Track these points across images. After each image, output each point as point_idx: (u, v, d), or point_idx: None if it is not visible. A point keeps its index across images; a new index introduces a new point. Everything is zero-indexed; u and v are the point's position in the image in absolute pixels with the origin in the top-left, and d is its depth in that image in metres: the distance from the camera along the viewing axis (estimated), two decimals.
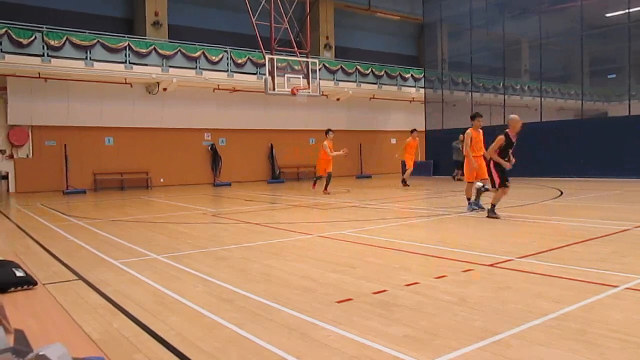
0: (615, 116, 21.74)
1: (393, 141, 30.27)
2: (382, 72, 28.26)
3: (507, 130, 9.11)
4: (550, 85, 26.26)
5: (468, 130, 10.47)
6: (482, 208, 10.01)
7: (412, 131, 18.50)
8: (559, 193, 13.66)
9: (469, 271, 5.22)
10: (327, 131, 16.40)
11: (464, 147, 10.49)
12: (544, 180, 18.38)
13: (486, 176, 10.06)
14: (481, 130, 10.58)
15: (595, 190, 14.41)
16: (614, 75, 24.80)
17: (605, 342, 3.23)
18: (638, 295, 4.25)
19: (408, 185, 17.65)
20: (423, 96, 27.90)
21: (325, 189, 16.16)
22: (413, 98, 29.47)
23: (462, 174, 20.04)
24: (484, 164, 10.22)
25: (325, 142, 16.14)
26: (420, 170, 24.99)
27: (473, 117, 10.60)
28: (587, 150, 19.20)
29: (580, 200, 12.31)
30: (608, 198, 12.61)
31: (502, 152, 9.05)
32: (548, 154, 20.00)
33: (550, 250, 6.22)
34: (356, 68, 27.21)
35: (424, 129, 26.50)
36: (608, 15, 22.35)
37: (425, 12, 27.51)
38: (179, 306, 4.32)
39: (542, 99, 22.84)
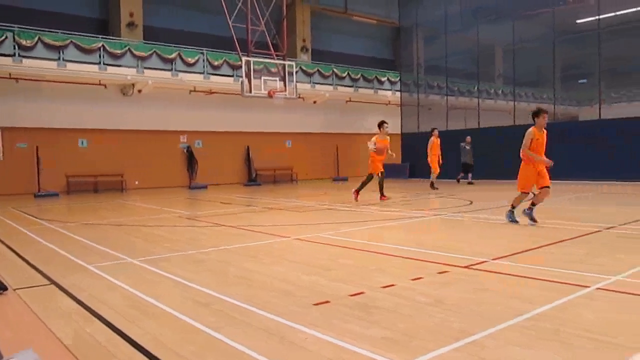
0: (586, 120, 22.20)
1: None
2: (359, 76, 28.42)
3: None
4: (523, 90, 26.73)
5: (530, 129, 8.53)
6: (534, 221, 8.51)
7: (433, 130, 17.69)
8: (532, 195, 13.87)
9: (444, 273, 5.27)
10: (381, 123, 13.53)
11: (522, 148, 8.56)
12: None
13: (549, 183, 8.57)
14: (545, 131, 8.61)
15: (568, 192, 14.68)
16: (585, 80, 25.35)
17: (579, 341, 3.29)
18: (610, 296, 4.34)
19: (437, 189, 16.59)
20: (399, 99, 28.12)
21: (382, 195, 13.29)
22: (389, 101, 29.67)
23: (463, 177, 20.03)
24: (544, 170, 8.60)
25: (374, 137, 13.37)
26: (396, 173, 25.19)
27: (537, 114, 8.54)
28: (559, 152, 19.52)
29: (553, 202, 12.53)
30: (580, 200, 12.87)
31: None
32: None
33: (524, 251, 6.31)
34: (333, 71, 27.32)
35: (399, 132, 26.72)
36: (579, 21, 22.85)
37: (401, 16, 27.75)
38: (154, 310, 4.27)
39: (516, 102, 23.23)
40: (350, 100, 28.68)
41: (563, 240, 6.97)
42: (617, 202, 12.23)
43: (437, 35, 26.17)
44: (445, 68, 25.44)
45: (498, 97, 27.07)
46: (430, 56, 27.22)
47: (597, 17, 20.28)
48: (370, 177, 13.57)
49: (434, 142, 17.37)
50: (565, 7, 21.88)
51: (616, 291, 4.43)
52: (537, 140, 8.47)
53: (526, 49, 23.91)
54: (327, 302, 4.31)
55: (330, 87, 27.23)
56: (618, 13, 20.84)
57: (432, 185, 17.13)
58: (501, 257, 5.93)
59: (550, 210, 10.67)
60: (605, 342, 3.27)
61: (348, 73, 27.94)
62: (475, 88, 24.50)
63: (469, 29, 24.44)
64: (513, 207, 8.87)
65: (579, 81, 26.30)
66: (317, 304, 4.26)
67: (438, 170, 17.30)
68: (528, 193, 8.85)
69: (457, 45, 25.28)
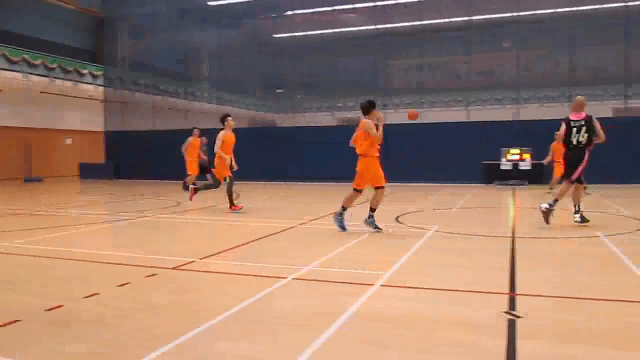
0: (283, 126, 24.54)
1: (68, 141, 27.86)
2: (55, 65, 25.78)
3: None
4: (228, 94, 28.13)
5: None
6: (379, 229, 7.75)
7: (193, 129, 16.06)
8: (236, 195, 14.68)
9: (153, 276, 5.17)
10: (224, 117, 11.05)
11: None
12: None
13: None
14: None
15: (264, 193, 15.98)
16: (282, 90, 27.99)
17: (278, 328, 3.62)
18: (302, 284, 4.88)
19: (193, 188, 14.61)
20: (102, 95, 26.55)
21: (232, 204, 10.81)
22: (91, 96, 27.67)
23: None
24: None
25: (221, 134, 10.82)
26: (100, 172, 23.73)
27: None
28: (258, 156, 21.05)
29: (253, 202, 13.48)
30: (277, 199, 14.18)
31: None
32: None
33: (229, 249, 6.63)
34: (23, 57, 24.15)
35: (102, 130, 25.28)
36: (276, 36, 25.16)
37: (104, 6, 26.30)
38: None
39: (221, 106, 24.31)
40: (45, 92, 25.77)
41: (265, 237, 7.56)
42: (307, 202, 13.85)
43: (144, 31, 25.59)
44: (152, 66, 25.05)
45: (204, 99, 27.84)
46: (137, 52, 26.46)
47: (291, 34, 22.69)
48: (217, 183, 11.28)
49: (191, 142, 15.79)
50: (265, 22, 23.82)
51: (308, 280, 5.01)
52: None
53: (232, 56, 25.24)
54: (17, 321, 3.79)
55: (20, 75, 24.02)
56: (308, 33, 23.67)
57: (184, 185, 15.91)
58: (208, 256, 6.11)
59: (251, 210, 11.46)
60: (300, 325, 3.67)
61: (42, 61, 25.07)
62: (183, 89, 24.78)
63: (177, 30, 24.57)
64: (344, 207, 7.90)
65: (277, 90, 28.89)
66: (4, 325, 3.70)
67: (197, 171, 15.82)
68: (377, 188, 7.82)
69: (165, 45, 25.18)
